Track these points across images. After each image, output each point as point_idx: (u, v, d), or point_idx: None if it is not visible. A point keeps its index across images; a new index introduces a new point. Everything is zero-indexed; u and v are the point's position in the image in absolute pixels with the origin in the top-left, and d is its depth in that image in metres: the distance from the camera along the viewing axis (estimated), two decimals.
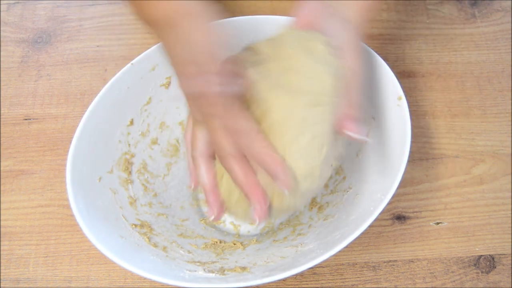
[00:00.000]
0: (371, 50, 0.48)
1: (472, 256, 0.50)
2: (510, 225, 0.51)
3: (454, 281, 0.49)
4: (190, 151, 0.43)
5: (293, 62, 0.40)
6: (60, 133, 0.58)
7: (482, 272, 0.49)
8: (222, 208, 0.43)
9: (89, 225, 0.42)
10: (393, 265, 0.50)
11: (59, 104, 0.60)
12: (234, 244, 0.49)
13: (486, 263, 0.50)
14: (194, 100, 0.39)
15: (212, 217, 0.42)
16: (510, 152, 0.55)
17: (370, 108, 0.49)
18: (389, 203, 0.42)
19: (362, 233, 0.40)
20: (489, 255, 0.50)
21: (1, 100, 0.61)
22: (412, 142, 0.44)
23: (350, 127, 0.40)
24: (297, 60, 0.40)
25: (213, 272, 0.43)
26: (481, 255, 0.50)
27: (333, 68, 0.41)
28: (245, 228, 0.52)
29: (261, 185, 0.39)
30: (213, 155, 0.42)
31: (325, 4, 0.44)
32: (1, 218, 0.53)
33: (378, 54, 0.48)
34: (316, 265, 0.39)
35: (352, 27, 0.43)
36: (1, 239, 0.52)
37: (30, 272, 0.51)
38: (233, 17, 0.52)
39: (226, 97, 0.37)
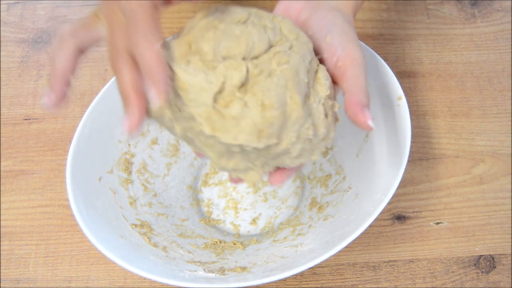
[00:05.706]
0: (371, 50, 0.48)
1: (472, 256, 0.50)
2: (510, 225, 0.51)
3: (454, 281, 0.49)
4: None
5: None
6: (60, 133, 0.58)
7: (482, 272, 0.49)
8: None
9: (89, 225, 0.42)
10: (393, 265, 0.50)
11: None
12: (234, 244, 0.49)
13: (486, 263, 0.50)
14: None
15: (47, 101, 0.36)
16: (510, 152, 0.55)
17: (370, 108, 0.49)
18: (389, 203, 0.42)
19: (362, 233, 0.40)
20: (489, 255, 0.50)
21: (1, 100, 0.61)
22: (412, 142, 0.44)
23: (366, 115, 0.38)
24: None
25: (213, 272, 0.43)
26: (481, 255, 0.50)
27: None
28: (245, 228, 0.52)
29: (143, 94, 0.35)
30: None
31: (307, 2, 0.42)
32: (1, 218, 0.53)
33: (378, 54, 0.48)
34: (316, 265, 0.39)
35: (342, 14, 0.41)
36: (1, 239, 0.52)
37: (30, 272, 0.51)
38: None
39: None
